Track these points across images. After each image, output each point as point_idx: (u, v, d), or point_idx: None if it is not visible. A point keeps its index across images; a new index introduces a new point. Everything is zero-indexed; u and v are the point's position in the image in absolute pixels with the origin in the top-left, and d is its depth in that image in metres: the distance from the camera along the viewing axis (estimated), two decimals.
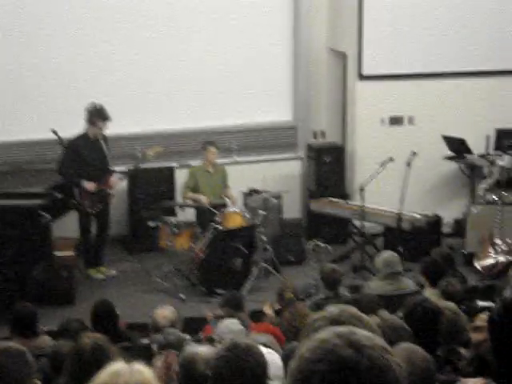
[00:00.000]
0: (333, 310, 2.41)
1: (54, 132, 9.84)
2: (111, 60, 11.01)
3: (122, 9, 11.02)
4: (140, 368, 2.99)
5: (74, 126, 9.94)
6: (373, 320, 4.39)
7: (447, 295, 6.63)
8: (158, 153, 10.32)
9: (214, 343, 5.45)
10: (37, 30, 10.67)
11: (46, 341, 6.17)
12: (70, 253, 9.45)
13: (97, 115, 9.83)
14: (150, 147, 10.39)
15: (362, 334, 1.93)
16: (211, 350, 4.48)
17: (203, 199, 10.23)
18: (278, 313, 7.26)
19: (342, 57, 11.99)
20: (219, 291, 9.03)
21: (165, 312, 6.22)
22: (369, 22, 11.31)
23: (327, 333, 1.93)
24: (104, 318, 6.43)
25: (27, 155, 10.75)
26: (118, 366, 2.98)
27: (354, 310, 2.41)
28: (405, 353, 3.71)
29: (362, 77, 11.52)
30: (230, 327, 5.64)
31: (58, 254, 9.36)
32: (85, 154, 9.88)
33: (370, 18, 11.30)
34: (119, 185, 10.28)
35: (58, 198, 9.41)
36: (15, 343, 3.96)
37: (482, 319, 5.00)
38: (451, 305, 5.60)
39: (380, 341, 1.92)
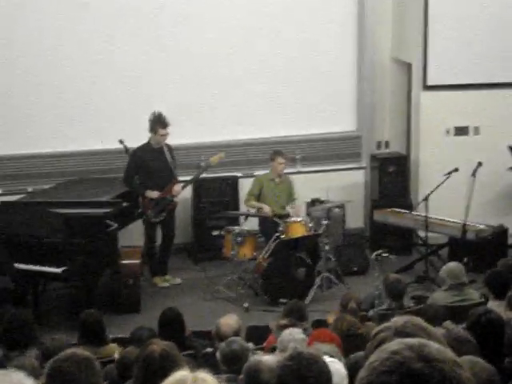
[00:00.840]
0: (398, 320, 2.42)
1: (121, 142, 10.03)
2: (179, 71, 11.13)
3: (189, 20, 11.15)
4: (204, 376, 3.01)
5: (141, 137, 10.10)
6: (438, 331, 4.38)
7: None
8: (222, 158, 10.40)
9: (276, 352, 5.48)
10: (103, 41, 10.85)
11: (112, 348, 6.27)
12: (135, 261, 9.57)
13: (157, 122, 9.96)
14: (213, 155, 10.48)
15: (433, 346, 1.91)
16: (275, 358, 4.51)
17: (266, 208, 10.28)
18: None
19: (407, 67, 11.94)
20: (282, 300, 9.05)
21: (229, 321, 6.27)
22: (434, 32, 11.25)
23: (398, 344, 1.92)
24: (171, 326, 6.50)
25: (95, 165, 10.93)
26: (182, 373, 3.01)
27: (419, 320, 2.42)
28: (469, 365, 3.69)
29: (426, 87, 11.45)
30: (293, 336, 5.66)
31: (125, 262, 9.49)
32: (148, 163, 10.01)
33: (435, 28, 11.24)
34: (182, 193, 10.38)
35: (124, 206, 9.56)
36: (82, 350, 4.03)
37: None
38: None
39: (451, 354, 1.91)
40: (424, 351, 1.88)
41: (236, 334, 6.05)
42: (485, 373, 3.73)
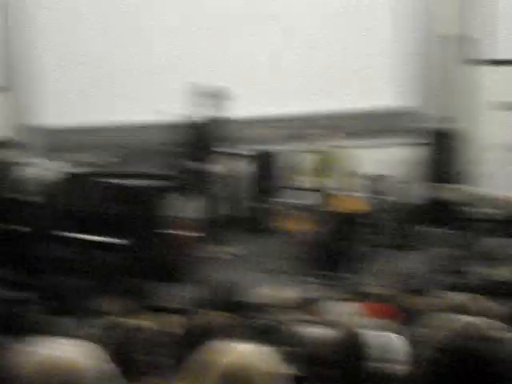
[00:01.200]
0: (455, 297, 2.41)
1: (186, 115, 10.07)
2: (245, 48, 11.11)
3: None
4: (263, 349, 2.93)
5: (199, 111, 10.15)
6: (496, 307, 4.33)
7: None
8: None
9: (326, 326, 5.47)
10: (163, 18, 10.89)
11: (174, 319, 6.32)
12: (193, 233, 9.64)
13: (215, 97, 9.99)
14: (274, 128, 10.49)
15: (493, 325, 1.90)
16: (327, 331, 4.49)
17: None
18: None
19: (471, 41, 11.75)
20: (331, 274, 9.05)
21: (286, 293, 6.28)
22: (502, 7, 11.05)
23: (458, 323, 1.92)
24: (227, 297, 6.55)
25: (156, 137, 10.99)
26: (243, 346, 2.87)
27: (476, 298, 2.40)
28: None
29: (490, 62, 11.26)
30: (340, 309, 5.65)
31: (183, 233, 9.56)
32: (206, 138, 10.07)
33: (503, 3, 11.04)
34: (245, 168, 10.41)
35: (184, 179, 9.62)
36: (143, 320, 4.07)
37: None
38: None
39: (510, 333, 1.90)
40: (485, 330, 1.87)
41: (278, 304, 6.06)
42: None
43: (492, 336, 1.85)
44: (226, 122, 10.26)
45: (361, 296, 6.78)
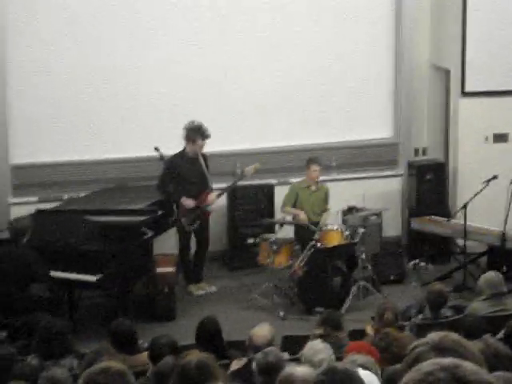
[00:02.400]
0: (434, 335, 2.35)
1: (156, 149, 10.03)
2: (212, 78, 11.10)
3: (220, 26, 11.12)
4: None
5: (175, 145, 10.09)
6: (475, 345, 4.28)
7: None
8: (257, 169, 10.35)
9: (301, 363, 5.40)
10: (136, 51, 10.86)
11: (144, 357, 6.23)
12: (170, 269, 9.54)
13: (197, 133, 9.94)
14: (250, 164, 10.44)
15: (467, 367, 1.87)
16: (309, 370, 4.44)
17: (302, 215, 10.20)
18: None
19: (445, 73, 11.81)
20: (318, 309, 8.97)
21: (261, 331, 6.19)
22: (472, 38, 11.11)
23: (432, 365, 1.88)
24: (209, 336, 6.45)
25: (131, 172, 10.93)
26: None
27: (455, 336, 2.34)
28: (501, 382, 3.58)
29: (465, 93, 11.32)
30: (314, 349, 5.57)
31: (159, 270, 9.47)
32: (183, 172, 9.99)
33: (474, 34, 11.10)
34: (217, 201, 10.33)
35: (159, 214, 9.54)
36: (115, 362, 3.99)
37: None
38: None
39: (485, 374, 1.86)
40: (458, 372, 1.83)
41: (269, 344, 5.98)
42: None
43: (464, 379, 1.80)
44: (206, 156, 10.20)
45: (343, 332, 6.69)
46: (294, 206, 10.38)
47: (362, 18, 11.53)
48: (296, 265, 9.70)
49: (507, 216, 9.90)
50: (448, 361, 1.90)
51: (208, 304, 9.89)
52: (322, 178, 10.63)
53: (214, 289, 10.35)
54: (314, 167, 10.30)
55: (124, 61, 10.82)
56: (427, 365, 1.89)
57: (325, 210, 10.46)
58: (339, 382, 3.47)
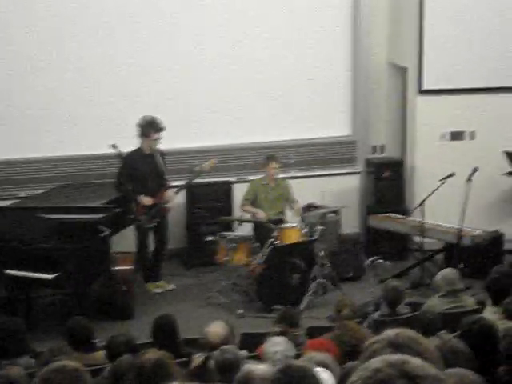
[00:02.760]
0: (390, 332, 2.35)
1: (114, 146, 9.94)
2: (169, 75, 11.06)
3: (172, 26, 11.07)
4: None
5: (133, 142, 10.03)
6: (432, 342, 4.31)
7: (510, 313, 6.47)
8: (214, 165, 10.32)
9: (263, 361, 5.40)
10: (93, 46, 10.78)
11: (101, 355, 6.19)
12: (128, 267, 9.49)
13: (150, 127, 9.88)
14: (206, 161, 10.42)
15: (415, 362, 1.88)
16: (267, 367, 4.44)
17: (261, 214, 10.20)
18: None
19: (402, 71, 11.89)
20: (277, 307, 8.98)
21: (216, 329, 6.16)
22: (429, 37, 11.20)
23: (380, 362, 1.89)
24: (165, 333, 6.41)
25: (87, 170, 10.86)
26: None
27: (411, 332, 2.35)
28: (457, 379, 3.62)
29: (422, 91, 11.40)
30: (275, 346, 5.58)
31: (117, 268, 9.41)
32: (140, 169, 9.93)
33: (431, 32, 11.19)
34: (175, 199, 10.29)
35: (116, 212, 9.48)
36: (71, 360, 3.96)
37: None
38: None
39: (433, 370, 1.87)
40: (406, 368, 1.84)
41: (224, 341, 5.96)
42: None
43: (412, 374, 1.81)
44: (164, 153, 10.15)
45: (300, 329, 6.70)
46: (254, 203, 10.38)
47: (320, 16, 11.56)
48: (254, 262, 9.70)
49: (464, 213, 9.98)
50: (396, 357, 1.91)
51: (166, 302, 9.85)
52: (280, 175, 10.64)
53: (172, 287, 10.32)
54: (273, 164, 10.31)
55: (78, 56, 10.74)
56: (375, 362, 1.90)
57: (293, 202, 10.46)
58: (295, 379, 3.47)
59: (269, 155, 10.51)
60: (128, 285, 9.40)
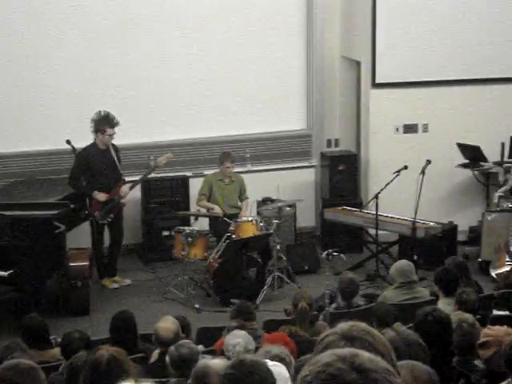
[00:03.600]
0: (344, 325, 2.39)
1: (68, 142, 9.89)
2: (123, 71, 11.02)
3: (131, 23, 11.04)
4: None
5: (87, 138, 9.98)
6: (387, 334, 4.37)
7: (462, 304, 6.57)
8: (169, 159, 10.30)
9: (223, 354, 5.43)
10: (47, 43, 10.70)
11: (56, 352, 6.17)
12: (84, 263, 9.44)
13: (104, 122, 9.83)
14: (162, 155, 10.40)
15: (364, 356, 1.91)
16: (224, 362, 4.45)
17: (217, 209, 10.22)
18: (292, 323, 7.22)
19: (356, 65, 11.96)
20: (234, 301, 8.99)
21: (166, 324, 6.16)
22: (382, 30, 11.29)
23: (329, 356, 1.91)
24: (123, 329, 6.39)
25: (41, 166, 10.77)
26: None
27: (364, 325, 2.38)
28: (408, 370, 3.67)
29: (375, 85, 11.48)
30: (235, 339, 5.61)
31: (72, 264, 9.35)
32: (95, 164, 9.88)
33: (384, 26, 11.28)
34: (129, 194, 10.25)
35: (71, 208, 9.42)
36: (26, 357, 3.95)
37: (485, 334, 4.90)
38: (468, 317, 5.54)
39: (383, 363, 1.90)
40: (356, 361, 1.87)
41: (175, 336, 5.96)
42: (424, 376, 3.71)
43: (362, 367, 1.84)
44: (118, 148, 10.11)
45: (256, 323, 6.74)
46: (209, 198, 10.40)
47: (274, 12, 11.58)
48: (211, 257, 9.72)
49: (417, 206, 10.09)
50: (345, 351, 1.94)
51: (122, 297, 9.83)
52: (236, 169, 10.66)
53: (128, 282, 10.29)
54: (227, 163, 10.33)
55: (33, 52, 10.65)
56: (325, 356, 1.93)
57: (244, 199, 10.52)
58: (247, 374, 3.48)
59: (223, 153, 10.53)
60: (83, 281, 9.34)
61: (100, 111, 9.86)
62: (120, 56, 10.99)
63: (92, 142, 9.96)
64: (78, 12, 10.79)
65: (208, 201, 10.39)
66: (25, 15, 10.61)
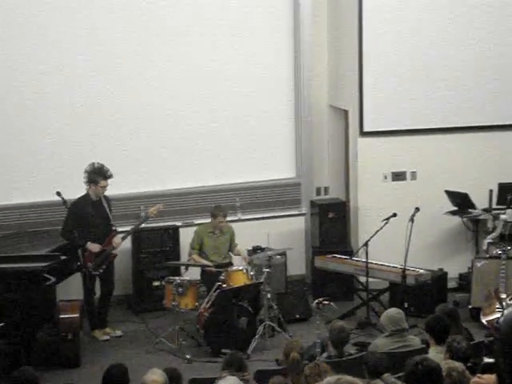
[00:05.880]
0: (331, 379, 2.42)
1: (58, 194, 9.93)
2: (114, 122, 11.10)
3: (120, 68, 11.14)
4: None
5: (78, 189, 10.01)
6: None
7: (453, 352, 6.57)
8: (159, 209, 10.34)
9: None
10: (37, 88, 10.78)
11: None
12: (74, 315, 9.40)
13: (98, 174, 9.88)
14: (152, 205, 10.45)
15: None
16: None
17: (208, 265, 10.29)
18: (284, 374, 7.20)
19: (344, 113, 12.08)
20: (225, 351, 8.96)
21: (153, 376, 6.13)
22: (369, 79, 11.42)
23: None
24: (116, 383, 6.35)
25: (32, 218, 10.78)
26: None
27: (350, 378, 2.42)
28: None
29: (363, 133, 11.59)
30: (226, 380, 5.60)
31: (63, 316, 9.32)
32: (87, 216, 9.91)
33: (371, 74, 11.41)
34: (121, 244, 10.26)
35: (62, 260, 9.41)
36: None
37: (475, 383, 4.91)
38: (458, 365, 5.54)
39: None
40: None
41: None
42: None
43: None
44: (109, 199, 10.15)
45: (248, 373, 6.72)
46: (200, 249, 10.45)
47: (262, 62, 11.71)
48: (202, 307, 9.71)
49: (407, 253, 10.12)
50: None
51: (113, 349, 9.78)
52: (226, 218, 10.70)
53: (119, 333, 10.25)
54: (220, 218, 10.40)
55: (20, 103, 10.72)
56: None
57: (234, 247, 10.57)
58: None
59: (215, 207, 10.60)
60: (74, 333, 9.30)
61: (93, 163, 9.91)
62: (110, 109, 11.07)
63: (84, 193, 10.00)
64: (70, 62, 10.89)
65: (199, 255, 10.45)
66: (13, 64, 10.70)
